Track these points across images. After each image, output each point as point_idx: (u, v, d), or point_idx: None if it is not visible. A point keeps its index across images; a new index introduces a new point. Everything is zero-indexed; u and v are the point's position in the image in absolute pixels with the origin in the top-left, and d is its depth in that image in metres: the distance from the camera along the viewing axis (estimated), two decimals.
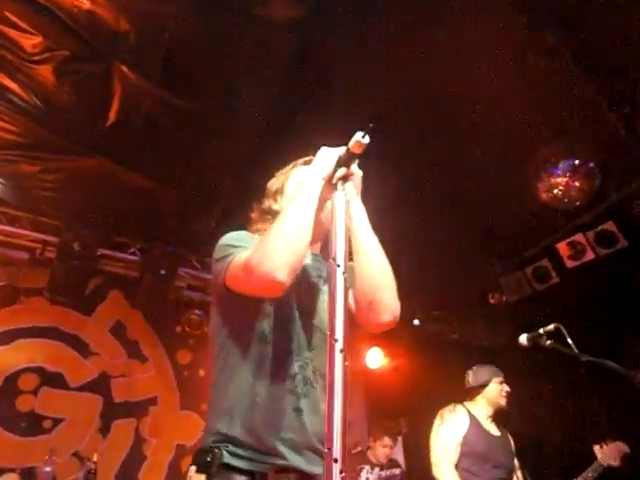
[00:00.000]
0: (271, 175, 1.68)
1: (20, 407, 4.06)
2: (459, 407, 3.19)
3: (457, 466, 2.95)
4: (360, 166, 1.34)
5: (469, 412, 3.16)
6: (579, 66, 2.98)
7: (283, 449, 1.23)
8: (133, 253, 4.41)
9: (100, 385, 4.42)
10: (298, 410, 1.27)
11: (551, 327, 2.05)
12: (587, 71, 3.01)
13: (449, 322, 5.64)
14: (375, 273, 1.34)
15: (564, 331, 2.02)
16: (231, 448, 1.23)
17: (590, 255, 4.54)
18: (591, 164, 3.62)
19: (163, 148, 3.52)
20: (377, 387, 5.41)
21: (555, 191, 3.66)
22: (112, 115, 3.32)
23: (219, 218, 3.92)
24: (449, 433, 3.05)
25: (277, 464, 1.22)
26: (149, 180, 3.74)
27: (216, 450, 1.23)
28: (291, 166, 1.63)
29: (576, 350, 2.00)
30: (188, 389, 4.75)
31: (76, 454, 4.02)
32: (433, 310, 5.43)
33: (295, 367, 1.32)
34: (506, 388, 3.23)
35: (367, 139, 1.15)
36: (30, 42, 2.99)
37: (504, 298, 5.36)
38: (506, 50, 2.87)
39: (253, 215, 1.62)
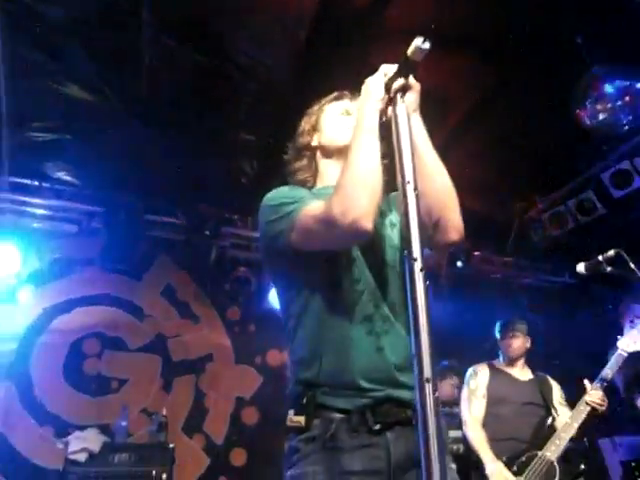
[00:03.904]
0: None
1: (88, 370, 4.29)
2: (479, 366, 3.46)
3: (486, 413, 3.24)
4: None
5: (491, 366, 3.44)
6: None
7: (373, 386, 1.24)
8: (177, 217, 4.49)
9: (157, 346, 4.61)
10: (380, 349, 1.26)
11: (611, 253, 1.99)
12: None
13: (491, 262, 5.61)
14: (440, 192, 1.28)
15: (625, 256, 1.96)
16: (324, 389, 1.25)
17: (638, 182, 4.39)
18: (638, 85, 3.45)
19: (197, 108, 3.51)
20: None
21: (600, 116, 3.52)
22: (145, 80, 3.33)
23: (257, 175, 3.94)
24: (470, 390, 3.35)
25: (372, 398, 1.23)
26: (186, 143, 3.76)
27: (310, 392, 1.25)
28: (322, 102, 1.58)
29: None
30: (241, 344, 4.91)
31: (144, 410, 4.26)
32: (475, 250, 5.38)
33: (370, 307, 1.30)
34: (511, 343, 3.42)
35: (427, 44, 1.07)
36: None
37: (547, 233, 5.27)
38: None
39: (288, 156, 1.57)
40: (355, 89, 1.41)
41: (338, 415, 1.22)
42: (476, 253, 5.38)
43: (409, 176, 1.01)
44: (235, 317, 5.02)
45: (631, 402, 2.95)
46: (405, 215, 0.98)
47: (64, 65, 3.21)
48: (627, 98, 3.41)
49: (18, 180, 4.05)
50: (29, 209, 4.24)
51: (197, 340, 4.80)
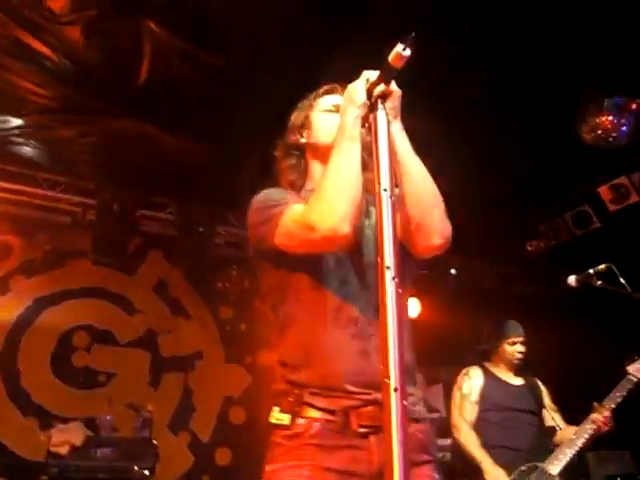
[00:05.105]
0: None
1: (76, 363, 4.29)
2: (473, 369, 3.27)
3: (478, 419, 3.07)
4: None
5: (485, 370, 3.25)
6: None
7: (360, 390, 1.22)
8: (171, 213, 4.48)
9: (148, 341, 4.61)
10: (365, 353, 1.25)
11: (602, 267, 1.98)
12: None
13: (486, 271, 5.60)
14: (421, 196, 1.27)
15: (616, 270, 1.95)
16: (311, 389, 1.24)
17: (635, 198, 4.39)
18: (638, 101, 3.44)
19: (195, 105, 3.50)
20: (415, 337, 5.46)
21: (599, 131, 3.51)
22: (143, 74, 3.31)
23: (253, 174, 3.92)
24: (463, 395, 3.17)
25: (359, 400, 1.22)
26: (182, 138, 3.75)
27: (297, 391, 1.25)
28: (313, 96, 1.55)
29: (629, 289, 1.94)
30: (231, 343, 4.90)
31: (130, 405, 4.24)
32: (469, 259, 5.38)
33: (356, 310, 1.29)
34: (519, 349, 3.21)
35: (408, 52, 1.05)
36: (57, 4, 2.98)
37: (542, 245, 5.26)
38: None
39: (277, 153, 1.56)
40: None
41: (323, 415, 1.21)
42: (470, 261, 5.37)
43: (385, 183, 1.00)
44: (227, 316, 5.00)
45: None
46: (379, 223, 0.97)
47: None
48: (626, 114, 3.40)
49: (14, 169, 4.04)
50: (24, 198, 4.22)
51: (188, 337, 4.79)
